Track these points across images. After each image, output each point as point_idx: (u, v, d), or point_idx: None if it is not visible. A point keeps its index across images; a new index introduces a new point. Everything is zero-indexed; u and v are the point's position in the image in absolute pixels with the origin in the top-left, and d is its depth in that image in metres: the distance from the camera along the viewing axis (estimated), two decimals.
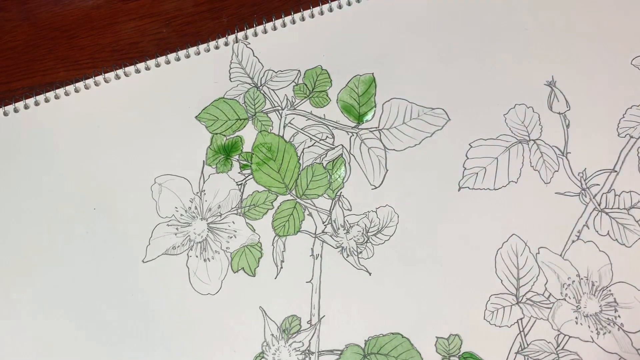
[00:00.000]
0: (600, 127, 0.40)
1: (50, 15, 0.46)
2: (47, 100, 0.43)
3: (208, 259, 0.38)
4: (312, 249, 0.38)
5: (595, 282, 0.37)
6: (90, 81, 0.43)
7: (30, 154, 0.41)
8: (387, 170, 0.40)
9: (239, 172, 0.40)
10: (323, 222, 0.39)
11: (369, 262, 0.38)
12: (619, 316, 0.36)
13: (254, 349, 0.36)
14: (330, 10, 0.44)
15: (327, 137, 0.41)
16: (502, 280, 0.37)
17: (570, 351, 0.36)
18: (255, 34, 0.43)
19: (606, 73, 0.41)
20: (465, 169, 0.39)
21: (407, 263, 0.38)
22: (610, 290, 0.36)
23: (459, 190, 0.39)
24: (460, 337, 0.36)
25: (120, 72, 0.43)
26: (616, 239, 0.37)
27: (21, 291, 0.38)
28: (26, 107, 0.43)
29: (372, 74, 0.42)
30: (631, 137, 0.39)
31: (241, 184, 0.40)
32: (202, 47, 0.43)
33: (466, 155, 0.40)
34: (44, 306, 0.38)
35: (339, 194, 0.39)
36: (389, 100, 0.41)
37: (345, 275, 0.38)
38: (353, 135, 0.41)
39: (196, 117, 0.42)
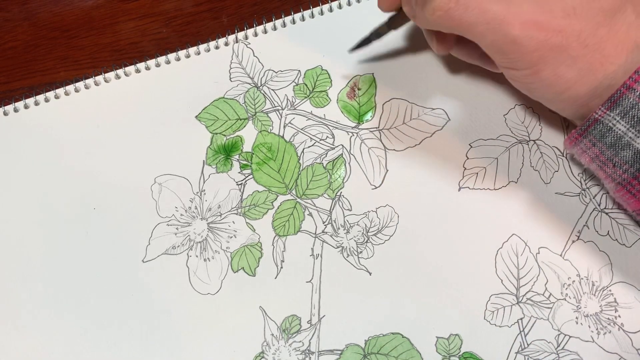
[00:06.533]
0: None
1: (50, 15, 0.46)
2: (47, 100, 0.43)
3: (208, 258, 0.38)
4: (312, 249, 0.38)
5: (595, 282, 0.37)
6: (90, 81, 0.43)
7: (30, 154, 0.41)
8: (387, 170, 0.40)
9: (239, 172, 0.40)
10: (323, 222, 0.39)
11: (369, 262, 0.38)
12: (619, 316, 0.36)
13: (254, 349, 0.36)
14: (330, 10, 0.44)
15: (327, 137, 0.41)
16: (502, 280, 0.37)
17: (570, 351, 0.35)
18: (255, 34, 0.43)
19: None
20: (465, 169, 0.39)
21: (407, 263, 0.38)
22: (610, 290, 0.36)
23: (459, 190, 0.39)
24: (460, 337, 0.36)
25: (120, 72, 0.43)
26: (616, 239, 0.37)
27: (21, 291, 0.38)
28: (26, 107, 0.43)
29: (372, 74, 0.42)
30: None
31: (241, 183, 0.40)
32: (202, 47, 0.43)
33: (466, 155, 0.40)
34: (44, 306, 0.38)
35: (339, 194, 0.39)
36: (389, 101, 0.41)
37: (345, 275, 0.38)
38: (353, 135, 0.41)
39: (196, 117, 0.42)
